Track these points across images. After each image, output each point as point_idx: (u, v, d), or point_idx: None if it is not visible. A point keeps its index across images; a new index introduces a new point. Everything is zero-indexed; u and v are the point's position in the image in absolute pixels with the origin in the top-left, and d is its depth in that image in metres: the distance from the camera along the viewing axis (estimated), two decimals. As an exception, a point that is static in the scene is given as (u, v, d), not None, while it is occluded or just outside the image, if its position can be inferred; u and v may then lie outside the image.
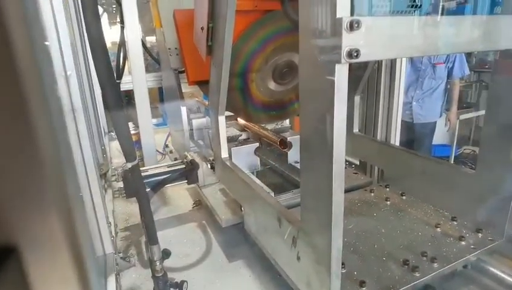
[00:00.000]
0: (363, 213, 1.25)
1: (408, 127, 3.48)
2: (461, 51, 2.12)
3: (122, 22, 2.11)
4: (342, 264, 0.87)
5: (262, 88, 1.56)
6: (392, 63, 1.59)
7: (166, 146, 2.51)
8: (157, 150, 2.30)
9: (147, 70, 2.52)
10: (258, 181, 1.39)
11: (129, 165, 0.92)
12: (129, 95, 2.57)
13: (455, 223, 1.14)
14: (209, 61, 1.27)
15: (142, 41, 2.30)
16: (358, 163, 1.75)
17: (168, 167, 1.56)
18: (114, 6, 3.34)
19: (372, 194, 1.38)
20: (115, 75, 2.32)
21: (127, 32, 1.94)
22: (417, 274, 0.92)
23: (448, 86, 3.54)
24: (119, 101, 0.86)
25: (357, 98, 1.59)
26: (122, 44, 2.33)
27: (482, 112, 4.28)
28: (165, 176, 1.46)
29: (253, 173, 1.59)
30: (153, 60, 2.94)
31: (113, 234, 1.31)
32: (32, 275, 0.28)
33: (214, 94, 1.28)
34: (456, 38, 0.75)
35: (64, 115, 0.99)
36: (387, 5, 0.68)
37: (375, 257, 1.01)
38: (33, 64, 0.25)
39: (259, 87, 1.55)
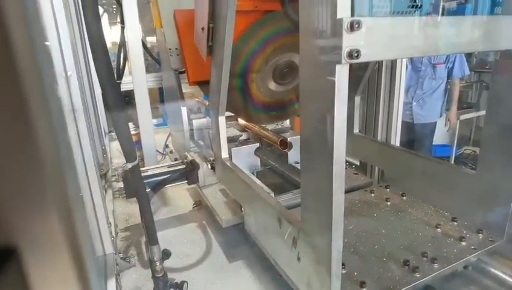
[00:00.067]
0: (364, 214, 1.25)
1: (408, 127, 3.48)
2: (461, 51, 2.13)
3: (122, 22, 2.12)
4: (342, 264, 0.87)
5: (263, 88, 1.55)
6: (393, 63, 1.59)
7: (167, 146, 2.51)
8: (157, 150, 2.30)
9: (147, 70, 2.53)
10: (258, 181, 1.39)
11: (129, 165, 0.92)
12: (129, 95, 2.57)
13: (455, 223, 1.14)
14: (210, 61, 1.27)
15: (143, 41, 2.30)
16: (358, 163, 1.75)
17: (168, 167, 1.56)
18: (114, 6, 3.34)
19: (373, 194, 1.38)
20: (115, 76, 2.33)
21: (127, 32, 1.95)
22: (417, 275, 0.92)
23: (449, 86, 3.54)
24: (119, 102, 0.86)
25: (357, 99, 1.59)
26: (122, 44, 2.34)
27: (483, 112, 4.27)
28: (165, 176, 1.46)
29: (253, 173, 1.59)
30: (153, 60, 2.94)
31: (113, 234, 1.31)
32: (32, 276, 0.28)
33: (215, 94, 1.28)
34: (456, 38, 0.75)
35: (65, 115, 0.99)
36: (388, 5, 0.68)
37: (375, 258, 1.01)
38: (33, 65, 0.24)
39: (260, 87, 1.55)
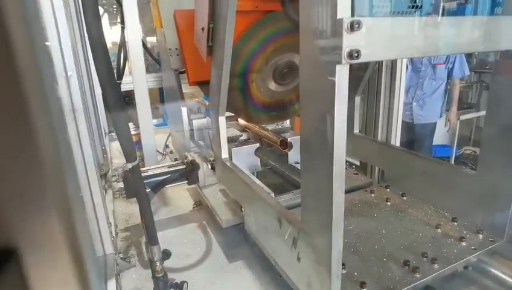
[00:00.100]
0: (364, 214, 1.25)
1: (408, 127, 3.48)
2: (462, 52, 2.13)
3: (122, 22, 2.12)
4: (343, 265, 0.87)
5: (263, 88, 1.55)
6: (393, 63, 1.59)
7: (167, 146, 2.51)
8: (157, 151, 2.30)
9: (148, 70, 2.53)
10: (258, 182, 1.39)
11: (129, 165, 0.92)
12: (129, 96, 2.57)
13: (456, 223, 1.14)
14: (210, 61, 1.27)
15: (143, 41, 2.30)
16: (358, 164, 1.75)
17: (168, 168, 1.56)
18: (115, 6, 3.35)
19: (373, 194, 1.38)
20: (116, 76, 2.33)
21: (127, 32, 1.95)
22: (418, 275, 0.92)
23: (449, 87, 3.54)
24: (119, 102, 0.86)
25: (357, 99, 1.59)
26: (122, 44, 2.34)
27: (483, 113, 4.28)
28: (165, 177, 1.46)
29: (253, 173, 1.59)
30: (153, 60, 2.94)
31: (114, 234, 1.31)
32: (32, 277, 0.28)
33: (215, 95, 1.28)
34: (456, 39, 0.75)
35: (65, 115, 0.99)
36: (388, 5, 0.68)
37: (375, 258, 1.01)
38: (33, 65, 0.24)
39: (260, 87, 1.54)
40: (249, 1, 1.33)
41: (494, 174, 1.04)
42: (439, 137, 4.30)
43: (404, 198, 1.33)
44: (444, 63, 3.36)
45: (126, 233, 1.52)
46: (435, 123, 3.60)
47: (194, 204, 1.74)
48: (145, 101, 2.05)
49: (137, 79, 1.99)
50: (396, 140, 1.68)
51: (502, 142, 1.01)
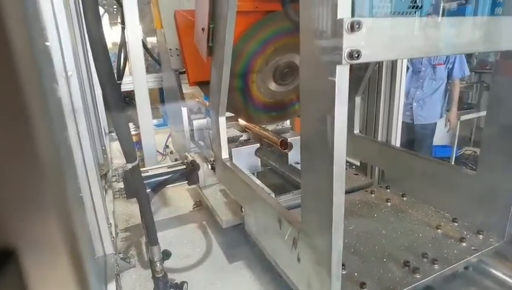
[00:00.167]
0: (364, 214, 1.25)
1: (408, 128, 3.48)
2: (462, 52, 2.12)
3: (123, 22, 2.12)
4: (343, 265, 0.87)
5: (263, 89, 1.55)
6: (393, 64, 1.59)
7: (167, 147, 2.51)
8: (157, 151, 2.30)
9: (148, 71, 2.53)
10: (258, 182, 1.39)
11: (129, 165, 0.92)
12: (130, 96, 2.57)
13: (456, 224, 1.14)
14: (210, 62, 1.27)
15: (143, 42, 2.30)
16: (358, 164, 1.75)
17: (168, 168, 1.56)
18: (115, 7, 3.34)
19: (373, 195, 1.38)
20: (116, 76, 2.33)
21: (127, 32, 1.95)
22: (418, 275, 0.92)
23: (449, 87, 3.54)
24: (119, 102, 0.86)
25: (357, 99, 1.59)
26: (122, 45, 2.34)
27: (483, 113, 4.27)
28: (165, 177, 1.46)
29: (253, 173, 1.59)
30: (153, 60, 2.94)
31: (114, 234, 1.31)
32: (31, 278, 0.28)
33: (215, 95, 1.28)
34: (457, 39, 0.74)
35: (65, 116, 0.99)
36: (388, 6, 0.68)
37: (375, 258, 1.01)
38: (33, 65, 0.24)
39: (260, 88, 1.54)
40: (249, 1, 1.33)
41: (495, 175, 1.04)
42: (440, 137, 4.29)
43: (405, 198, 1.33)
44: (444, 64, 3.36)
45: (126, 233, 1.52)
46: (435, 123, 3.60)
47: (194, 204, 1.74)
48: (145, 101, 2.05)
49: (137, 79, 1.99)
50: (396, 140, 1.68)
51: (502, 143, 1.01)
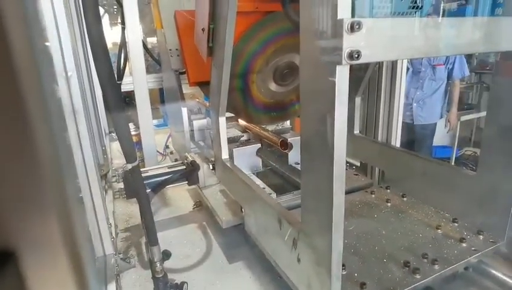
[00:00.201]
0: (364, 215, 1.25)
1: (408, 128, 3.48)
2: (462, 53, 2.12)
3: (123, 22, 2.12)
4: (343, 265, 0.87)
5: (263, 89, 1.55)
6: (393, 64, 1.59)
7: (167, 147, 2.51)
8: (157, 151, 2.30)
9: (148, 71, 2.53)
10: (259, 182, 1.39)
11: (129, 166, 0.92)
12: (130, 96, 2.57)
13: (456, 224, 1.14)
14: (210, 62, 1.27)
15: (143, 42, 2.30)
16: (359, 164, 1.75)
17: (168, 168, 1.56)
18: (115, 7, 3.34)
19: (373, 195, 1.38)
20: (116, 76, 2.33)
21: (127, 33, 1.95)
22: (418, 276, 0.92)
23: (449, 88, 3.54)
24: (119, 102, 0.86)
25: (357, 99, 1.59)
26: (123, 45, 2.34)
27: (483, 114, 4.27)
28: (165, 177, 1.46)
29: (254, 174, 1.59)
30: (153, 61, 2.94)
31: (114, 235, 1.31)
32: (30, 279, 0.28)
33: (215, 95, 1.28)
34: (457, 39, 0.74)
35: (65, 116, 0.99)
36: (388, 6, 0.68)
37: (375, 259, 1.01)
38: (32, 65, 0.24)
39: (260, 88, 1.54)
40: (250, 2, 1.33)
41: (495, 175, 1.04)
42: (440, 138, 4.29)
43: (405, 199, 1.33)
44: (444, 64, 3.36)
45: (126, 233, 1.51)
46: (435, 124, 3.60)
47: (194, 205, 1.74)
48: (145, 101, 2.05)
49: (137, 79, 1.99)
50: (396, 141, 1.68)
51: (502, 143, 1.01)
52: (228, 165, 1.34)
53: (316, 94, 0.69)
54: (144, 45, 2.39)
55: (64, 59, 0.98)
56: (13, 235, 0.27)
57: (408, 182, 1.37)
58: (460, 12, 0.80)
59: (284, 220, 0.93)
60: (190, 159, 1.58)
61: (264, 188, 1.35)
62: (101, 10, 3.28)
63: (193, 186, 1.63)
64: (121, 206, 1.73)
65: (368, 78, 1.57)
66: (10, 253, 0.27)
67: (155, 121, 2.79)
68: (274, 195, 1.30)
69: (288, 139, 1.45)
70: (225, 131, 1.33)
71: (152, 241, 1.02)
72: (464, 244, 1.04)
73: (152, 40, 3.67)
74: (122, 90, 2.40)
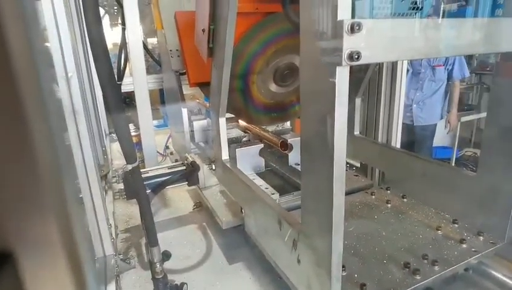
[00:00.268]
0: (364, 215, 1.25)
1: (409, 129, 3.48)
2: (462, 54, 2.12)
3: (123, 23, 2.12)
4: (343, 266, 0.87)
5: (264, 90, 1.55)
6: (393, 65, 1.59)
7: (167, 148, 2.51)
8: (157, 152, 2.30)
9: (148, 72, 2.53)
10: (262, 182, 1.39)
11: (129, 166, 0.92)
12: (130, 97, 2.57)
13: (456, 225, 1.14)
14: (210, 63, 1.27)
15: (143, 42, 2.30)
16: (359, 165, 1.75)
17: (168, 169, 1.56)
18: (115, 7, 3.35)
19: (373, 196, 1.38)
20: (116, 77, 2.33)
21: (128, 33, 1.95)
22: (418, 277, 0.92)
23: (449, 88, 3.54)
24: (119, 103, 0.86)
25: (358, 100, 1.59)
26: (123, 45, 2.34)
27: (483, 114, 4.27)
28: (165, 178, 1.46)
29: (256, 174, 1.59)
30: (154, 61, 2.94)
31: (114, 235, 1.31)
32: (28, 281, 0.28)
33: (215, 96, 1.28)
34: (457, 40, 0.74)
35: (65, 117, 0.99)
36: (389, 7, 0.68)
37: (375, 260, 1.01)
38: (31, 66, 0.24)
39: (260, 89, 1.55)
40: (250, 3, 1.33)
41: (495, 176, 1.03)
42: (440, 139, 4.29)
43: (405, 200, 1.33)
44: (444, 65, 3.36)
45: (126, 234, 1.51)
46: (435, 125, 3.60)
47: (194, 205, 1.73)
48: (145, 102, 2.05)
49: (137, 80, 2.00)
50: (396, 142, 1.68)
51: (502, 144, 1.01)
52: (228, 165, 1.33)
53: (316, 95, 0.69)
54: (144, 46, 2.39)
55: (64, 59, 0.98)
56: (11, 236, 0.26)
57: (408, 183, 1.37)
58: (460, 13, 0.80)
59: (284, 221, 0.93)
60: (190, 159, 1.58)
61: (267, 188, 1.35)
62: (102, 11, 3.29)
63: (193, 187, 1.63)
64: (121, 207, 1.73)
65: (368, 79, 1.57)
66: (8, 254, 0.27)
67: (155, 122, 2.79)
68: (277, 195, 1.30)
69: (289, 140, 1.45)
70: (225, 132, 1.33)
71: (152, 242, 1.02)
72: (464, 245, 1.04)
73: (152, 41, 3.67)
74: (122, 91, 2.40)
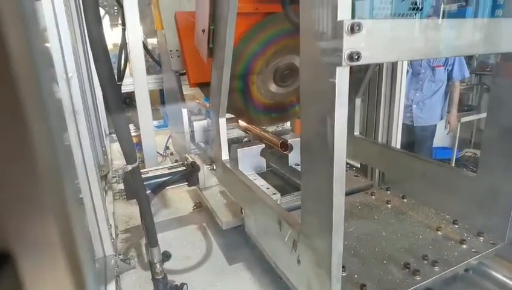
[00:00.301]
0: (364, 216, 1.25)
1: (408, 129, 3.48)
2: (462, 54, 2.12)
3: (123, 23, 2.13)
4: (343, 267, 0.87)
5: (263, 90, 1.55)
6: (393, 65, 1.59)
7: (167, 148, 2.51)
8: (158, 152, 2.30)
9: (148, 72, 2.53)
10: (264, 183, 1.39)
11: (130, 167, 0.92)
12: (130, 97, 2.57)
13: (456, 226, 1.14)
14: (210, 63, 1.27)
15: (144, 43, 2.30)
16: (359, 166, 1.75)
17: (168, 169, 1.56)
18: (115, 8, 3.35)
19: (373, 197, 1.38)
20: (116, 77, 2.33)
21: (128, 34, 1.95)
22: (418, 278, 0.92)
23: (449, 89, 3.54)
24: (119, 103, 0.86)
25: (358, 101, 1.59)
26: (123, 46, 2.34)
27: (483, 115, 4.27)
28: (165, 178, 1.46)
29: (257, 174, 1.59)
30: (154, 62, 2.94)
31: (114, 236, 1.31)
32: (28, 283, 0.28)
33: (215, 96, 1.28)
34: (457, 41, 0.74)
35: (65, 117, 0.99)
36: (388, 7, 0.68)
37: (375, 260, 1.00)
38: (31, 66, 0.24)
39: (260, 89, 1.55)
40: (250, 3, 1.33)
41: (495, 177, 1.03)
42: (440, 139, 4.29)
43: (405, 200, 1.33)
44: (443, 65, 3.36)
45: (126, 235, 1.51)
46: (435, 125, 3.60)
47: (194, 206, 1.73)
48: (145, 102, 2.05)
49: (137, 80, 2.00)
50: (396, 142, 1.68)
51: (502, 145, 1.01)
52: (228, 166, 1.33)
53: (316, 95, 0.69)
54: (145, 46, 2.39)
55: (64, 59, 0.98)
56: (11, 236, 0.26)
57: (408, 183, 1.37)
58: (460, 13, 0.80)
59: (284, 222, 0.93)
60: (190, 160, 1.58)
61: (268, 188, 1.35)
62: (102, 11, 3.29)
63: (193, 188, 1.63)
64: (121, 207, 1.73)
65: (368, 80, 1.57)
66: (7, 255, 0.27)
67: (155, 122, 2.79)
68: (278, 195, 1.30)
69: (289, 141, 1.45)
70: (225, 132, 1.33)
71: (152, 242, 1.02)
72: (464, 246, 1.04)
73: (152, 41, 3.67)
74: (122, 91, 2.40)
